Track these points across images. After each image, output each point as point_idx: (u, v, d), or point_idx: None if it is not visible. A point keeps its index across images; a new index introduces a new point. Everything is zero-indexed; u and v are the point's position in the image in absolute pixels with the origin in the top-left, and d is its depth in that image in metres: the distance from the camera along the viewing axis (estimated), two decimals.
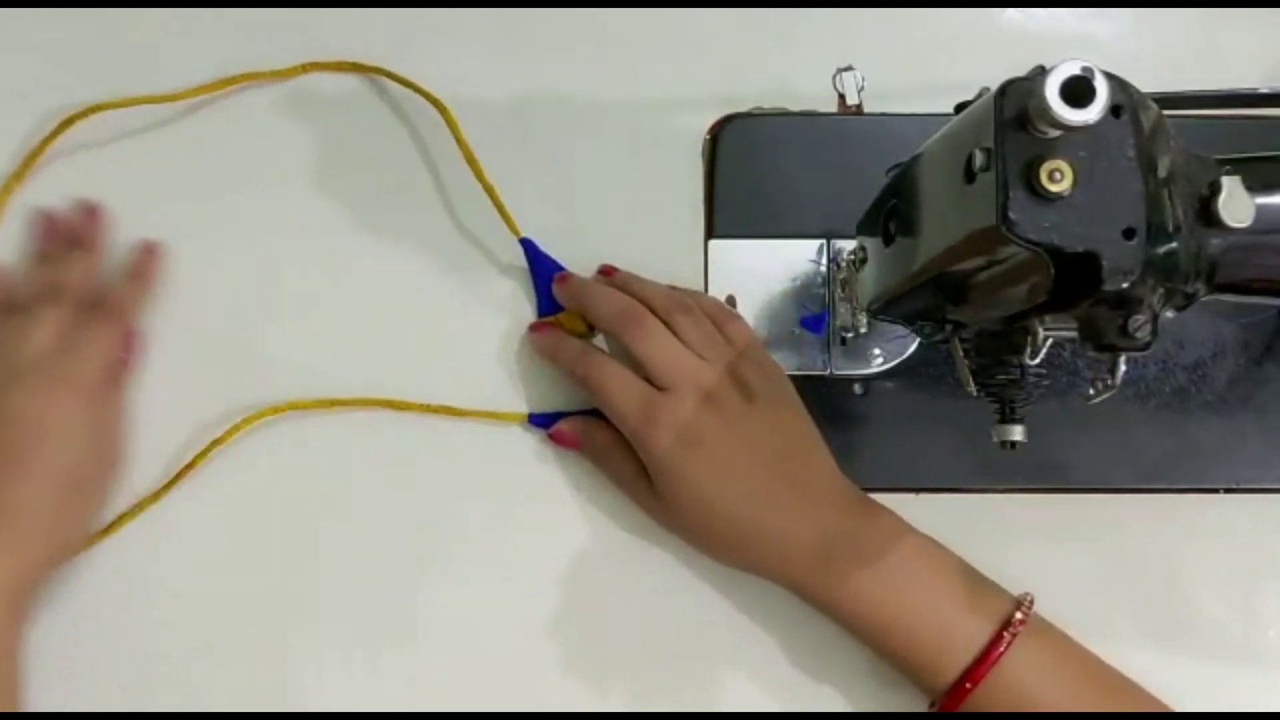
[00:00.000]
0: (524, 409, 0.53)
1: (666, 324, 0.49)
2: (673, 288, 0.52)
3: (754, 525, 0.47)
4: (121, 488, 0.51)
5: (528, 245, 0.53)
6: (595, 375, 0.49)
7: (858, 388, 0.53)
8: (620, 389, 0.49)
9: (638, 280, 0.52)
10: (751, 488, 0.47)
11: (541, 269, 0.53)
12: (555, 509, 0.52)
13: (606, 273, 0.53)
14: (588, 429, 0.51)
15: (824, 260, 0.53)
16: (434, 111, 0.53)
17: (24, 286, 0.52)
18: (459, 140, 0.53)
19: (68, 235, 0.53)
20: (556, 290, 0.52)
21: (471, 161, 0.53)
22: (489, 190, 0.53)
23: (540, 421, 0.52)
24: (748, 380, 0.49)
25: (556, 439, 0.52)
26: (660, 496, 0.48)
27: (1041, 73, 0.30)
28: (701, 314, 0.50)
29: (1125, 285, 0.31)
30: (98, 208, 0.54)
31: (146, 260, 0.53)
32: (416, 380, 0.53)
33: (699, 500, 0.47)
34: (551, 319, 0.52)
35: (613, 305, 0.50)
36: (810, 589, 0.47)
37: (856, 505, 0.48)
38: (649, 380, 0.48)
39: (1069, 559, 0.52)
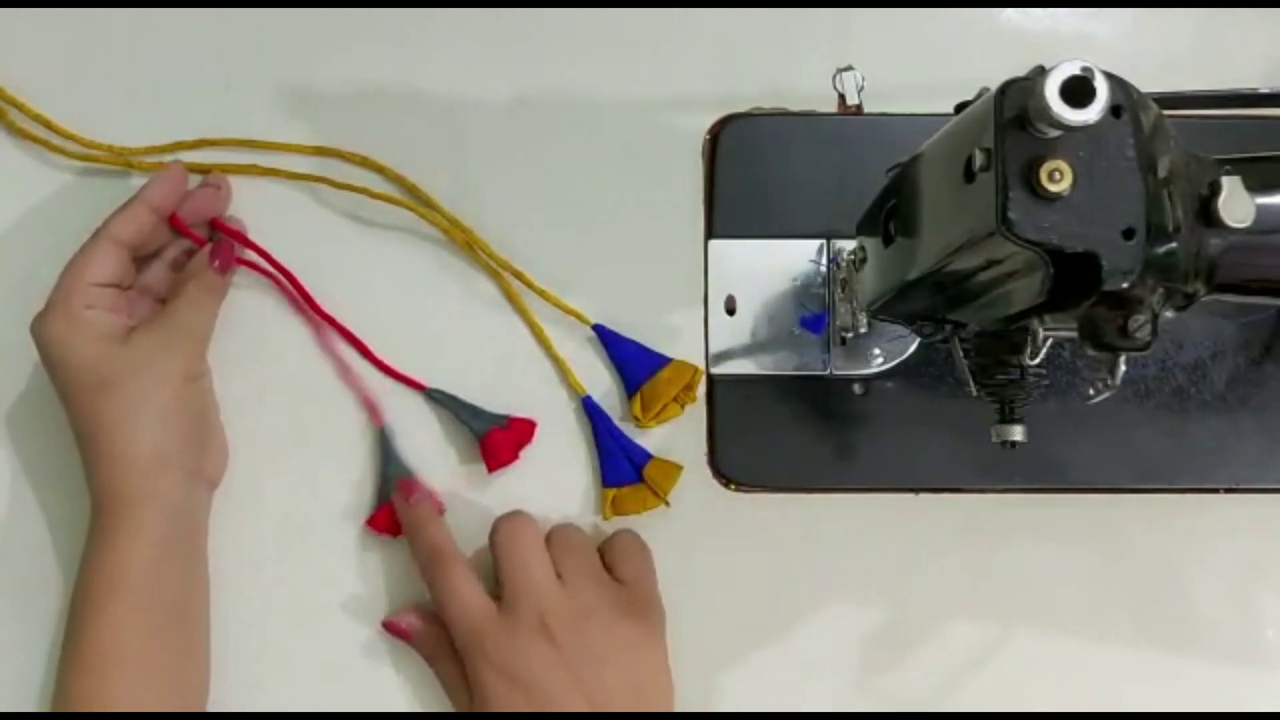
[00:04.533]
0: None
1: (547, 539, 0.48)
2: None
3: None
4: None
5: (602, 331, 0.53)
6: (439, 582, 0.47)
7: (858, 388, 0.53)
8: (459, 606, 0.46)
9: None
10: None
11: (619, 351, 0.52)
12: (555, 507, 0.52)
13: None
14: (423, 626, 0.49)
15: (824, 260, 0.53)
16: None
17: (144, 275, 0.50)
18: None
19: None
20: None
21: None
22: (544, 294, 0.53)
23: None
24: (616, 605, 0.46)
25: (390, 629, 0.49)
26: None
27: (1041, 73, 0.30)
28: (587, 549, 0.49)
29: (1125, 285, 0.31)
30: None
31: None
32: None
33: None
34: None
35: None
36: None
37: None
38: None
39: (1069, 559, 0.52)
